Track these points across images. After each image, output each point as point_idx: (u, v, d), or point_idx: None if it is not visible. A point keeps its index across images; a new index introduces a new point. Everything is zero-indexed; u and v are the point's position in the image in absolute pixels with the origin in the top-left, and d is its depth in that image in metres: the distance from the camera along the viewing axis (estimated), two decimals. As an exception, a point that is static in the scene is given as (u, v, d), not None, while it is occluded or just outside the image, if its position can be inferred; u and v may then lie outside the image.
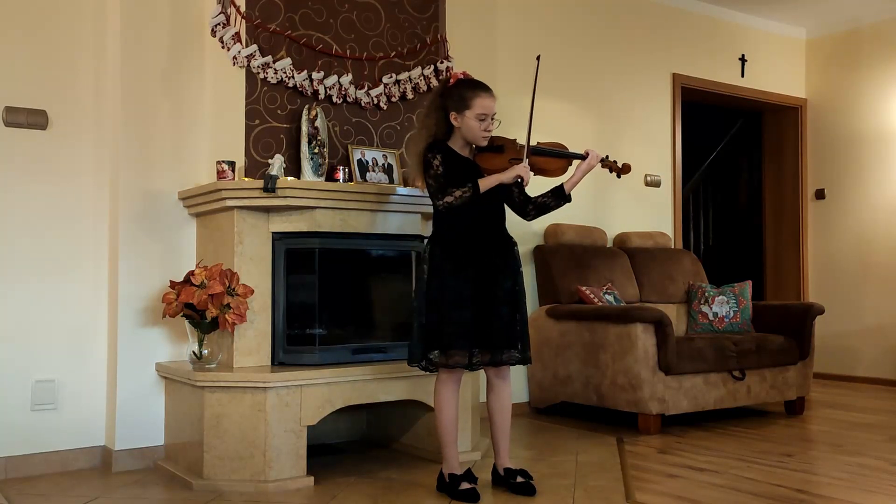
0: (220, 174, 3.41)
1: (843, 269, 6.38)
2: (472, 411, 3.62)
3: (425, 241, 3.14)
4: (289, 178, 3.38)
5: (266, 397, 3.12)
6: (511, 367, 3.08)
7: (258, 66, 3.49)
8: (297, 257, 3.47)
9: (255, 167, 3.48)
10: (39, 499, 3.04)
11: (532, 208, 3.19)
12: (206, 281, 3.23)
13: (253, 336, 3.39)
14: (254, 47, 3.48)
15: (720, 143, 7.70)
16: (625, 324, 4.21)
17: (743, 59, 6.26)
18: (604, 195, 5.36)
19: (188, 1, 3.70)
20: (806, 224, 6.63)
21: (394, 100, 3.84)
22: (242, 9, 3.50)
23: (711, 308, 5.02)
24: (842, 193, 6.42)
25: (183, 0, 3.69)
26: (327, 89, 3.65)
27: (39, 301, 3.46)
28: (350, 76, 3.70)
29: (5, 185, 3.42)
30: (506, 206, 3.15)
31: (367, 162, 3.70)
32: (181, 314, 3.31)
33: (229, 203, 3.33)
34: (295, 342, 3.46)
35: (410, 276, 3.69)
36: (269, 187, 3.24)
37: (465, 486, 2.95)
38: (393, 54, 3.85)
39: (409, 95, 3.88)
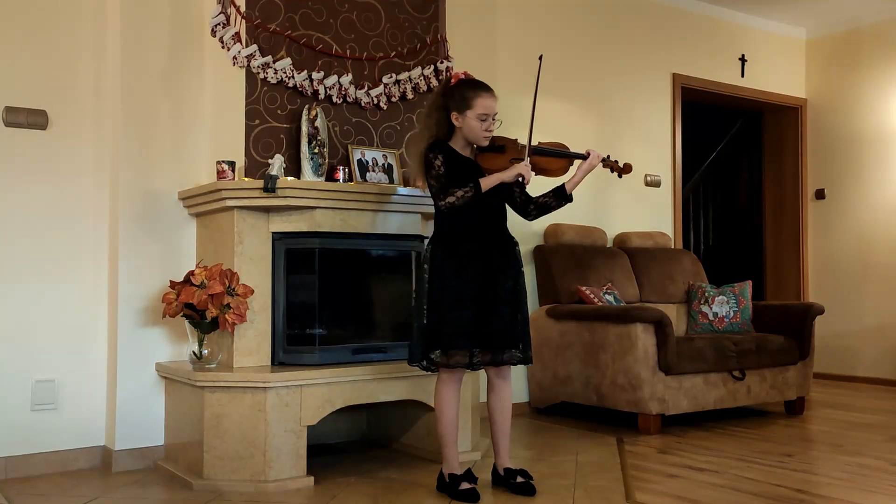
0: (220, 174, 3.40)
1: (843, 269, 6.38)
2: (472, 411, 3.62)
3: (426, 241, 3.14)
4: (289, 178, 3.38)
5: (266, 397, 3.12)
6: (511, 367, 3.08)
7: (258, 66, 3.49)
8: (297, 257, 3.47)
9: (255, 167, 3.48)
10: (39, 499, 3.04)
11: (533, 208, 3.19)
12: (206, 281, 3.23)
13: (253, 336, 3.39)
14: (254, 47, 3.48)
15: (720, 143, 7.69)
16: (625, 324, 4.21)
17: (743, 59, 6.25)
18: (604, 195, 5.36)
19: (188, 1, 3.70)
20: (806, 224, 6.63)
21: (394, 100, 3.84)
22: (242, 9, 3.50)
23: (711, 308, 5.02)
24: (842, 193, 6.42)
25: (183, 0, 3.69)
26: (327, 89, 3.65)
27: (39, 301, 3.46)
28: (350, 76, 3.70)
29: (5, 185, 3.42)
30: (507, 206, 3.15)
31: (367, 162, 3.70)
32: (181, 314, 3.31)
33: (229, 203, 3.33)
34: (295, 342, 3.46)
35: (410, 277, 3.69)
36: (269, 187, 3.24)
37: (465, 486, 2.95)
38: (393, 54, 3.85)
39: (409, 95, 3.88)
